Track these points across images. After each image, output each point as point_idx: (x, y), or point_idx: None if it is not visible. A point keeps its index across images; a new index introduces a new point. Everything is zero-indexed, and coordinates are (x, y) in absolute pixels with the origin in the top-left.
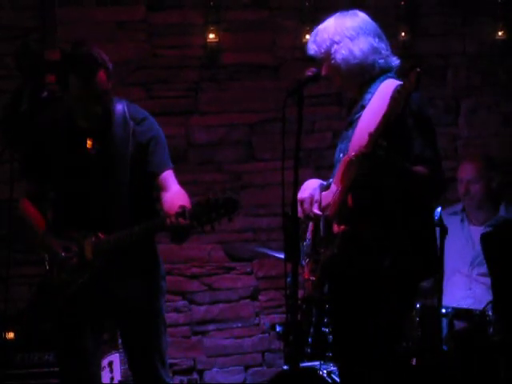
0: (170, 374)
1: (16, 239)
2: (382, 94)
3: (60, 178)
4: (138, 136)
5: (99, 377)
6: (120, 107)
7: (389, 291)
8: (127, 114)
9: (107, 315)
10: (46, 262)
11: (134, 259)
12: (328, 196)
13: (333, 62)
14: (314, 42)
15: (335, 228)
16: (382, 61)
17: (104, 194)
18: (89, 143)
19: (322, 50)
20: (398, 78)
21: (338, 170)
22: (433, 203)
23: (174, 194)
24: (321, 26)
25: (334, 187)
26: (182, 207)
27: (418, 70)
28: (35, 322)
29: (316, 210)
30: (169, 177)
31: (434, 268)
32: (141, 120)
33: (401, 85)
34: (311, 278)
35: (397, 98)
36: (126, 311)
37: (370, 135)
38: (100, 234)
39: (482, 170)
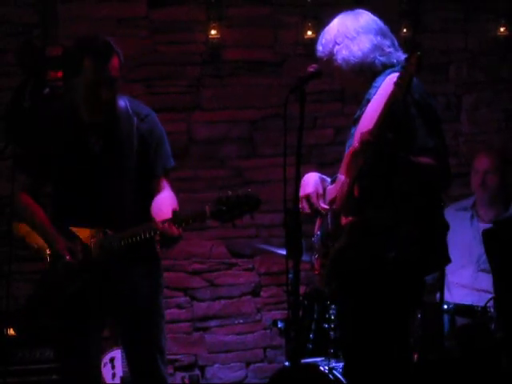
0: (170, 371)
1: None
2: (386, 87)
3: (63, 174)
4: (142, 133)
5: (99, 374)
6: (122, 103)
7: (394, 283)
8: (130, 110)
9: (108, 312)
10: (48, 258)
11: (137, 256)
12: (333, 190)
13: (335, 63)
14: (320, 44)
15: (343, 220)
16: (383, 58)
17: (109, 191)
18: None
19: (326, 52)
20: None
21: (343, 162)
22: (441, 192)
23: (163, 198)
24: (326, 28)
25: (340, 179)
26: (174, 213)
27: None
28: (34, 318)
29: (323, 204)
30: (163, 181)
31: (441, 261)
32: (144, 116)
33: (403, 69)
34: (322, 272)
35: (399, 82)
36: (127, 308)
37: (374, 123)
38: (108, 231)
39: (500, 162)
